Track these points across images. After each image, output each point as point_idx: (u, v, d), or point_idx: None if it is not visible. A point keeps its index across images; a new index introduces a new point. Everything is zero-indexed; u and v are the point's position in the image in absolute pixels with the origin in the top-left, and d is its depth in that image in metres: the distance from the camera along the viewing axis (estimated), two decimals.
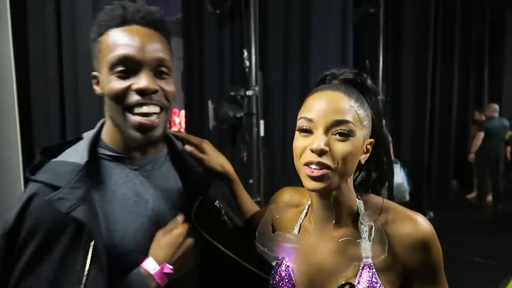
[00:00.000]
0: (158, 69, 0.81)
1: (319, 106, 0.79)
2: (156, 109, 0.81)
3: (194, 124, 4.86)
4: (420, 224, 0.82)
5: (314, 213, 0.85)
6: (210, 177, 0.99)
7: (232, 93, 3.98)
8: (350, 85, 0.86)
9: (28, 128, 2.50)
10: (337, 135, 0.77)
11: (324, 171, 0.76)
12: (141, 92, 0.78)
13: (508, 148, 6.19)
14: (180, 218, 0.89)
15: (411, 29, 5.39)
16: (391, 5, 5.45)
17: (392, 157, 3.72)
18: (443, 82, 6.10)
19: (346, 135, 0.77)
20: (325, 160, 0.76)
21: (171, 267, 0.83)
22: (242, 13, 4.01)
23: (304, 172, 0.79)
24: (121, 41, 0.79)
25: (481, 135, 5.93)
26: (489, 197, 6.30)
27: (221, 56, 4.57)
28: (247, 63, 3.88)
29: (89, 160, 0.80)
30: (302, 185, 0.86)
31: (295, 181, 1.08)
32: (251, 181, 3.96)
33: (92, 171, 0.81)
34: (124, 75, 0.79)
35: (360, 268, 0.80)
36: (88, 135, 0.88)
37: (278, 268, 0.89)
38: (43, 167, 0.81)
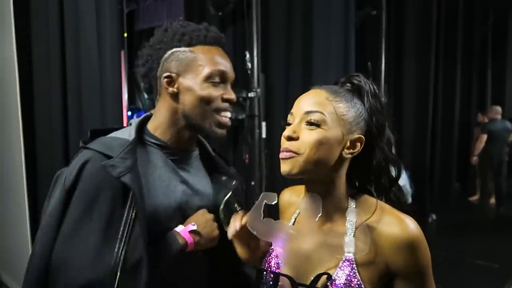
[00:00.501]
0: (231, 84, 1.06)
1: (299, 101, 0.90)
2: (230, 114, 1.05)
3: None
4: (408, 225, 0.82)
5: (303, 205, 0.91)
6: (234, 181, 1.14)
7: None
8: (348, 87, 0.91)
9: (31, 128, 2.51)
10: (307, 124, 0.84)
11: (290, 153, 0.83)
12: (229, 101, 1.03)
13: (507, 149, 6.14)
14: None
15: (413, 31, 5.38)
16: (393, 7, 5.45)
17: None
18: (445, 84, 6.09)
19: (315, 124, 0.83)
20: (291, 146, 0.84)
21: (194, 224, 1.01)
22: (244, 15, 4.02)
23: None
24: (218, 58, 1.02)
25: (484, 137, 5.92)
26: (492, 200, 6.29)
27: None
28: (249, 65, 3.88)
29: (135, 139, 0.98)
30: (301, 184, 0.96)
31: (297, 183, 1.10)
32: (252, 183, 3.95)
33: (138, 150, 0.98)
34: (216, 85, 1.01)
35: (341, 261, 0.83)
36: (135, 121, 1.05)
37: (269, 257, 0.94)
38: (94, 140, 0.99)
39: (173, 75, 1.01)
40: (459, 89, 6.39)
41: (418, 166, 5.23)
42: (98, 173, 0.92)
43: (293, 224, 0.95)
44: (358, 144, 0.87)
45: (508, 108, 7.68)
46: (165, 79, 1.01)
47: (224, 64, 1.03)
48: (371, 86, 0.91)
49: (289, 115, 0.90)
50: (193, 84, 1.00)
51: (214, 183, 1.13)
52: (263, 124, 3.99)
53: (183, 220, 1.04)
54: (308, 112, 0.85)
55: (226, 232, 1.01)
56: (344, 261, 0.82)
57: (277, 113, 4.13)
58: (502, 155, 5.98)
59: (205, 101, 1.00)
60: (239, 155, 4.30)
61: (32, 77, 2.54)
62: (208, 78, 1.00)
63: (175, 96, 1.02)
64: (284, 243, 0.86)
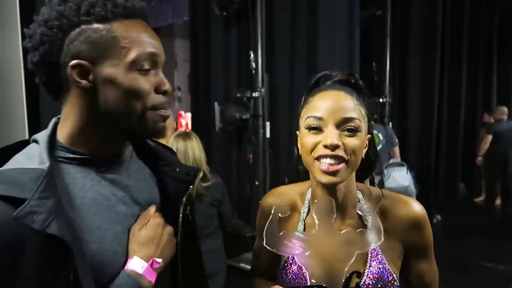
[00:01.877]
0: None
1: (327, 105, 0.85)
2: (168, 110, 0.82)
3: (200, 126, 4.87)
4: (413, 206, 0.93)
5: (317, 208, 0.88)
6: (189, 175, 0.93)
7: (238, 95, 3.99)
8: (346, 85, 0.92)
9: (36, 128, 2.52)
10: (346, 131, 0.84)
11: (339, 166, 0.83)
12: (166, 93, 0.79)
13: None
14: (152, 209, 0.83)
15: (418, 32, 5.37)
16: (398, 7, 5.43)
17: (399, 158, 3.65)
18: (450, 84, 6.07)
19: (354, 131, 0.84)
20: (340, 152, 0.82)
21: (160, 260, 0.78)
22: (248, 15, 4.02)
23: (317, 167, 0.84)
24: (145, 37, 0.76)
25: (489, 138, 5.89)
26: (498, 201, 6.25)
27: (227, 58, 4.58)
28: (253, 65, 3.89)
29: (51, 164, 0.70)
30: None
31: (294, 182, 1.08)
32: (257, 182, 3.95)
33: (55, 177, 0.71)
34: (146, 72, 0.76)
35: (369, 254, 0.89)
36: (42, 138, 0.77)
37: (291, 267, 0.92)
38: None
39: (85, 63, 0.72)
40: (464, 90, 6.36)
41: (423, 167, 5.22)
42: (7, 230, 0.63)
43: (304, 228, 0.95)
44: (367, 142, 0.91)
45: None
46: (74, 69, 0.72)
47: (154, 44, 0.77)
48: (363, 84, 0.95)
49: (313, 119, 0.85)
50: (115, 74, 0.73)
51: (162, 179, 0.90)
52: (267, 124, 3.99)
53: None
54: (347, 119, 0.84)
55: (182, 241, 0.87)
56: (372, 252, 0.89)
57: (281, 113, 4.13)
58: (509, 156, 5.94)
59: (134, 96, 0.74)
60: (243, 155, 4.30)
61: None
62: (135, 64, 0.74)
63: (91, 92, 0.74)
64: (307, 251, 0.85)
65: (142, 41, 0.75)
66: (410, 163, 4.45)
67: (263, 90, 3.90)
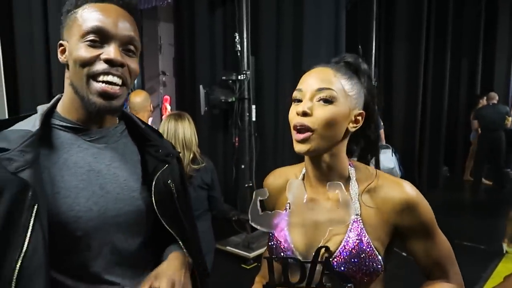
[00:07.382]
0: (127, 46, 0.88)
1: (308, 78, 0.92)
2: (119, 81, 0.86)
3: (186, 109, 4.83)
4: (405, 188, 0.92)
5: (288, 189, 0.93)
6: (168, 156, 1.03)
7: (223, 78, 3.95)
8: (346, 66, 0.95)
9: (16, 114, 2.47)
10: (320, 101, 0.88)
11: (306, 134, 0.87)
12: (109, 61, 0.84)
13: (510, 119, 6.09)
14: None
15: (404, 14, 5.36)
16: None
17: (384, 141, 3.69)
18: (435, 69, 6.10)
19: (327, 101, 0.87)
20: (306, 121, 0.87)
21: None
22: None
23: (293, 138, 0.90)
24: (99, 14, 0.85)
25: (475, 123, 5.97)
26: (483, 183, 6.34)
27: (212, 40, 4.52)
28: (239, 47, 3.84)
29: (41, 128, 0.84)
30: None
31: (287, 164, 1.11)
32: (242, 166, 3.95)
33: (44, 139, 0.86)
34: (94, 44, 0.84)
35: (350, 224, 0.90)
36: (42, 108, 0.91)
37: (271, 243, 0.98)
38: None
39: (64, 42, 0.88)
40: (448, 75, 6.41)
41: (407, 150, 5.29)
42: None
43: (290, 208, 0.98)
44: (360, 118, 0.93)
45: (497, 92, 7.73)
46: (59, 48, 0.90)
47: (105, 21, 0.85)
48: (365, 66, 0.98)
49: (296, 92, 0.92)
50: (71, 48, 0.86)
51: (147, 158, 1.00)
52: (253, 107, 3.97)
53: (113, 210, 0.90)
54: (320, 89, 0.88)
55: (157, 216, 0.95)
56: (352, 224, 0.90)
57: (267, 96, 4.11)
58: (498, 140, 5.96)
59: (79, 64, 0.84)
60: (229, 139, 4.29)
61: (15, 64, 2.50)
62: (83, 37, 0.84)
63: (67, 67, 0.89)
64: (286, 227, 0.92)
65: (92, 17, 0.85)
66: (395, 146, 4.49)
67: (248, 73, 3.87)
